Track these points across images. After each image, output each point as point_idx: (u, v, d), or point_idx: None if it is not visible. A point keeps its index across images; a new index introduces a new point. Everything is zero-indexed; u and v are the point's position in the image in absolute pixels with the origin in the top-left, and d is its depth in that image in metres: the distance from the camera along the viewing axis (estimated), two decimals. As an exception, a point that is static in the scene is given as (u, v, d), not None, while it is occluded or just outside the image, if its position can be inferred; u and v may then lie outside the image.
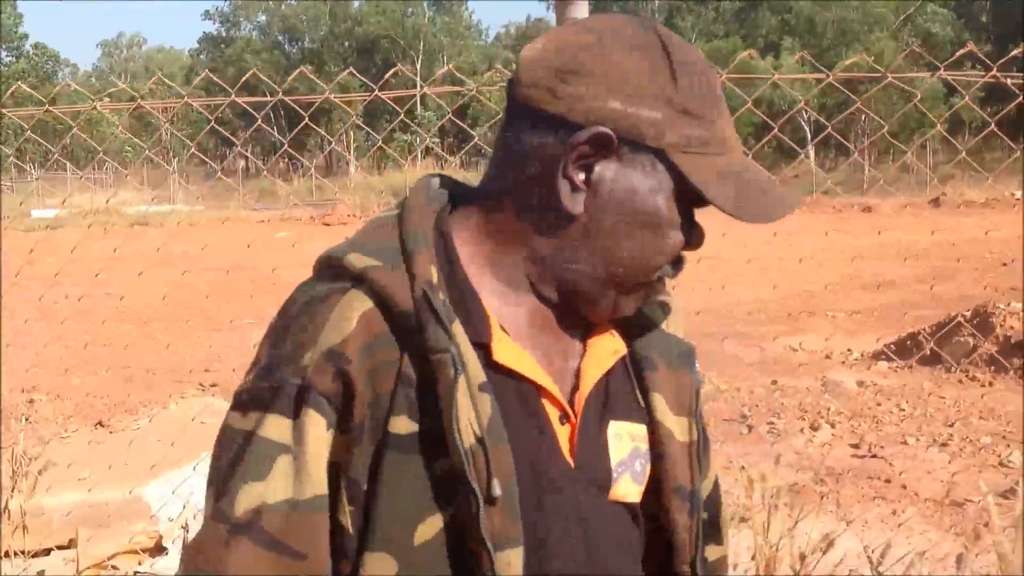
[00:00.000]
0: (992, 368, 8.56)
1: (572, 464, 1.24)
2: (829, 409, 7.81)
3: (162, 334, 11.13)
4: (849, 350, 10.06)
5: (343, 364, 1.15)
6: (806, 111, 37.25)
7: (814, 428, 7.41)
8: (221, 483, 1.19)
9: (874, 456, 6.76)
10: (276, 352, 1.20)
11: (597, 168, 1.20)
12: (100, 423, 7.73)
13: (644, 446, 1.32)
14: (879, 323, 11.00)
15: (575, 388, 1.27)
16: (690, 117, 1.19)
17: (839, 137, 5.02)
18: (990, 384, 8.39)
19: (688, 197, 1.21)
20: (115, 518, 4.72)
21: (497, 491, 1.14)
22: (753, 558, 3.69)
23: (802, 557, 3.78)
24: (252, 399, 1.20)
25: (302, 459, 1.16)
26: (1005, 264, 14.59)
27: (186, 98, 3.82)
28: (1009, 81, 4.20)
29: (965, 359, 8.60)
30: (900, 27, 48.39)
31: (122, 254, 6.06)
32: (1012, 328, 8.96)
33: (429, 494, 1.17)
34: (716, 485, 1.51)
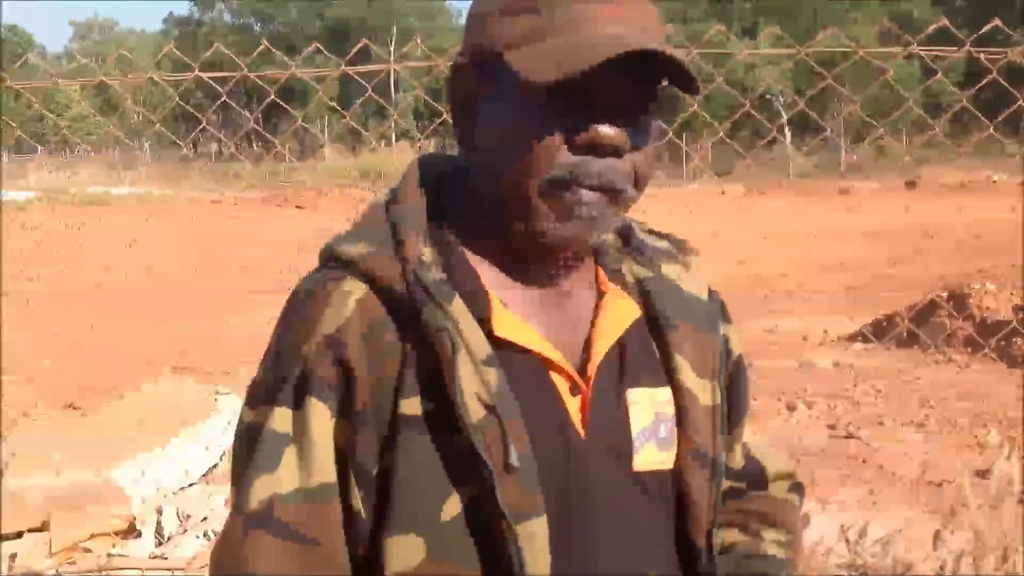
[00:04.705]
0: (968, 349, 8.59)
1: (584, 436, 1.23)
2: (806, 390, 7.81)
3: (133, 317, 11.01)
4: (825, 331, 10.10)
5: (342, 351, 1.18)
6: (782, 95, 37.32)
7: (791, 409, 7.42)
8: (238, 478, 1.22)
9: (850, 437, 6.77)
10: (280, 344, 1.23)
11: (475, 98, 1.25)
12: (71, 405, 7.63)
13: (669, 410, 1.30)
14: (855, 304, 11.04)
15: (587, 359, 1.26)
16: (518, 14, 1.19)
17: (812, 114, 4.99)
18: (966, 365, 8.43)
19: (558, 92, 1.17)
20: (88, 500, 4.68)
21: (515, 461, 1.14)
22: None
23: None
24: (260, 393, 1.23)
25: (307, 448, 1.18)
26: (982, 246, 14.68)
27: (149, 73, 3.77)
28: (983, 56, 4.18)
29: (942, 340, 8.62)
30: (878, 10, 48.47)
31: (90, 237, 5.97)
32: (988, 308, 9.00)
33: (450, 471, 1.17)
34: (750, 458, 1.48)
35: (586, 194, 1.19)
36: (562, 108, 1.17)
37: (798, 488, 1.50)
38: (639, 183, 1.23)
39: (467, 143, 1.27)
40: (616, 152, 1.19)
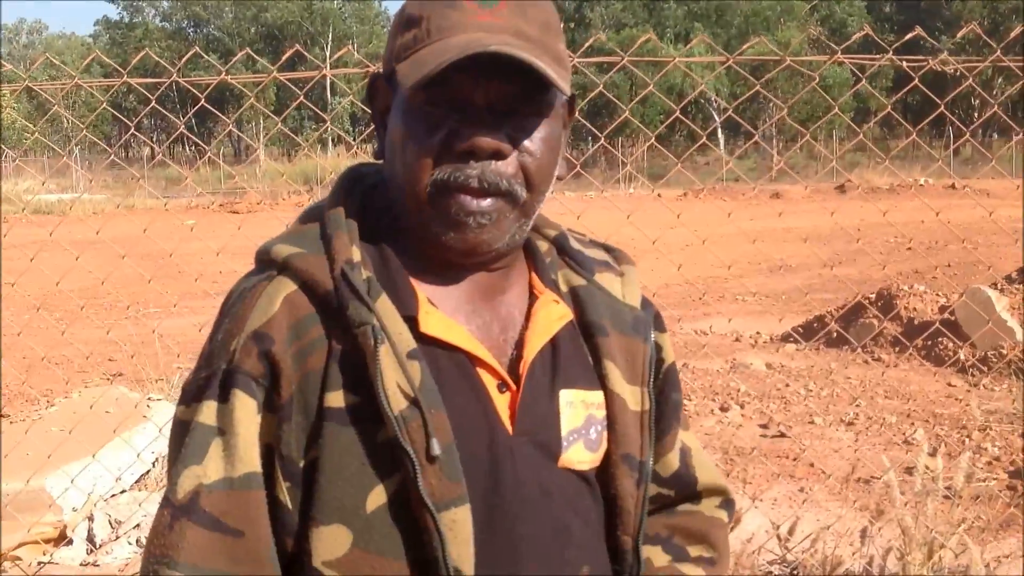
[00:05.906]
0: (896, 348, 8.75)
1: (511, 431, 1.26)
2: (739, 390, 7.90)
3: (61, 322, 10.80)
4: (758, 333, 10.21)
5: (267, 345, 1.21)
6: (716, 101, 37.73)
7: (724, 410, 7.50)
8: (169, 472, 1.26)
9: (782, 436, 6.84)
10: (211, 343, 1.27)
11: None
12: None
13: (600, 413, 1.34)
14: (786, 306, 11.20)
15: (519, 357, 1.29)
16: (408, 28, 1.25)
17: (743, 122, 5.07)
18: (894, 364, 8.58)
19: (438, 99, 1.22)
20: (18, 509, 4.61)
21: (436, 450, 1.18)
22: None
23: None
24: (191, 390, 1.27)
25: (233, 439, 1.21)
26: (909, 248, 14.96)
27: (76, 79, 3.72)
28: (904, 64, 4.28)
29: (870, 340, 8.77)
30: (808, 17, 49.19)
31: (19, 242, 5.87)
32: (915, 309, 9.17)
33: (374, 462, 1.21)
34: (686, 464, 1.49)
35: (469, 201, 1.22)
36: (440, 114, 1.21)
37: (728, 505, 1.53)
38: (530, 184, 1.25)
39: (380, 152, 1.33)
40: (496, 155, 1.22)
